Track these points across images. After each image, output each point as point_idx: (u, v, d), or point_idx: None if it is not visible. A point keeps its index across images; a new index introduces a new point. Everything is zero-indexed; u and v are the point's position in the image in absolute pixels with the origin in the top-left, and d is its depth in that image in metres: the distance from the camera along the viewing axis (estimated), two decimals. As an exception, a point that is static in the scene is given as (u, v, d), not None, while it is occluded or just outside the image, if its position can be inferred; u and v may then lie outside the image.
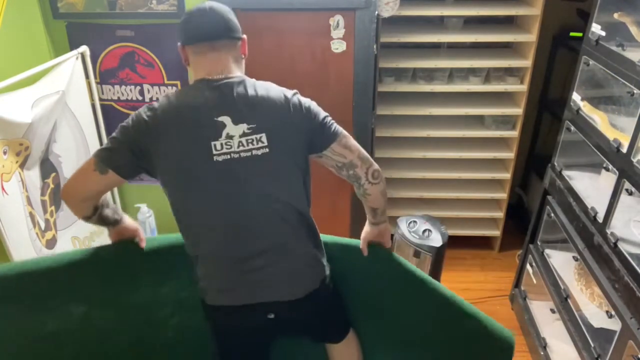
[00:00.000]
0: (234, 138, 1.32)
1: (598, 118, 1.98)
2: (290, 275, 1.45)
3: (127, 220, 1.59)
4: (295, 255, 1.45)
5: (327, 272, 1.55)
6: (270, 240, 1.41)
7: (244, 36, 1.44)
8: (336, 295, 1.65)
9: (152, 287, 1.63)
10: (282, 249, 1.42)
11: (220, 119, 1.32)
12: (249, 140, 1.32)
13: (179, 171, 1.36)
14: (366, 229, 1.61)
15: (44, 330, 1.54)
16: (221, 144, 1.32)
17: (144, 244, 1.59)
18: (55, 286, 1.53)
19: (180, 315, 1.68)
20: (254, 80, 1.41)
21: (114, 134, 1.39)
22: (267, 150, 1.33)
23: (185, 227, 1.44)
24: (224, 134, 1.32)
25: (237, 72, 1.40)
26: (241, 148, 1.32)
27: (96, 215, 1.46)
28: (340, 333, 1.70)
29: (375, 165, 1.47)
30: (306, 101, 1.43)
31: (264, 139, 1.33)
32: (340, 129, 1.45)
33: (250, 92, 1.36)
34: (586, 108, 2.06)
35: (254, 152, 1.33)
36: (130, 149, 1.35)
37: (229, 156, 1.32)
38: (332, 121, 1.45)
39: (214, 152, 1.32)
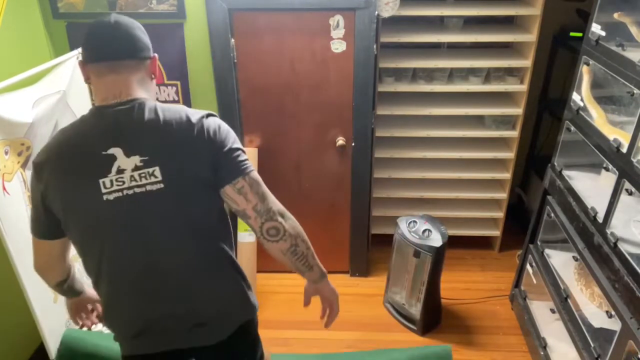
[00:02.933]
0: (126, 172, 1.16)
1: (595, 113, 1.98)
2: (213, 318, 1.33)
3: (89, 291, 1.53)
4: (217, 294, 1.33)
5: (256, 314, 1.45)
6: (183, 282, 1.28)
7: (154, 55, 1.27)
8: (258, 346, 1.53)
9: None
10: (200, 290, 1.30)
11: (111, 151, 1.16)
12: (142, 175, 1.16)
13: (69, 214, 1.21)
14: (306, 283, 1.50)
15: None
16: (111, 181, 1.16)
17: (95, 318, 1.55)
18: None
19: None
20: (157, 103, 1.23)
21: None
22: (162, 185, 1.17)
23: (89, 271, 1.31)
24: (114, 169, 1.16)
25: (141, 95, 1.22)
26: (134, 183, 1.16)
27: (69, 279, 1.41)
28: None
29: (275, 222, 1.27)
30: (214, 126, 1.23)
31: (157, 173, 1.17)
32: (247, 170, 1.24)
33: (148, 116, 1.18)
34: (586, 99, 2.06)
35: (148, 187, 1.17)
36: (42, 209, 1.23)
37: (121, 194, 1.17)
38: (241, 158, 1.25)
39: (104, 190, 1.16)
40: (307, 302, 1.51)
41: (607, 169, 1.82)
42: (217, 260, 1.32)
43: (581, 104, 2.09)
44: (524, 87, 2.73)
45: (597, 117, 1.96)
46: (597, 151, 1.91)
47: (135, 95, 1.21)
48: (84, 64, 1.24)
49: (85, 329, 1.58)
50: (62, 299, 2.22)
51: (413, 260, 2.51)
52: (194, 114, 1.22)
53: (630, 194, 1.66)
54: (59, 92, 2.18)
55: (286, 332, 2.61)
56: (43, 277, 1.39)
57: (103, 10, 2.41)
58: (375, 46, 2.44)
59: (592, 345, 1.84)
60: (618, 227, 1.76)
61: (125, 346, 1.35)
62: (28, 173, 2.01)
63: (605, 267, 1.77)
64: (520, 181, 3.43)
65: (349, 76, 2.52)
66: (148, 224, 1.21)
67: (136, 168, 1.16)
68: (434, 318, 2.66)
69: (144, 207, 1.18)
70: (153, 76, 1.28)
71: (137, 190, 1.17)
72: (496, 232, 3.15)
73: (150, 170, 1.16)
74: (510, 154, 2.92)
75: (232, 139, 1.25)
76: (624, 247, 1.68)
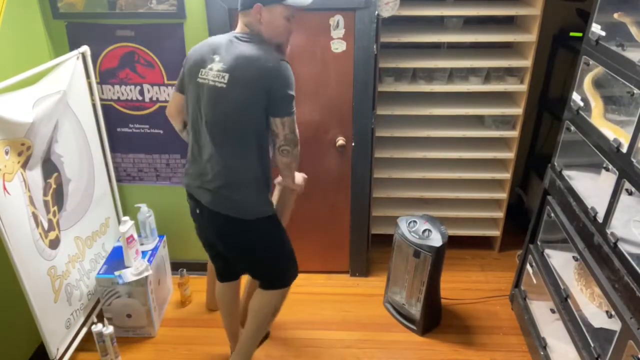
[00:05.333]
0: (212, 70, 1.78)
1: (593, 102, 1.98)
2: (217, 192, 1.86)
3: None
4: (231, 179, 1.85)
5: (258, 218, 1.90)
6: (214, 157, 1.83)
7: (257, 5, 1.76)
8: (268, 249, 2.01)
9: None
10: (222, 168, 1.84)
11: (213, 56, 1.80)
12: (218, 75, 1.76)
13: (185, 83, 1.90)
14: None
15: None
16: (204, 71, 1.80)
17: None
18: None
19: None
20: (256, 40, 1.79)
21: None
22: (224, 86, 1.75)
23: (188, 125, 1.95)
24: (208, 66, 1.79)
25: (247, 31, 1.82)
26: (211, 78, 1.78)
27: (186, 130, 2.01)
28: (261, 281, 2.10)
29: (289, 147, 1.85)
30: (280, 73, 1.75)
31: (226, 78, 1.75)
32: (290, 111, 1.80)
33: (242, 45, 1.78)
34: (586, 87, 2.06)
35: (217, 84, 1.77)
36: (182, 75, 1.94)
37: (204, 81, 1.80)
38: (290, 101, 1.79)
39: (199, 75, 1.81)
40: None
41: (607, 169, 1.82)
42: (245, 154, 1.83)
43: (581, 104, 2.09)
44: (524, 87, 2.73)
45: (595, 106, 1.96)
46: (597, 151, 1.91)
47: (244, 31, 1.83)
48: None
49: None
50: (62, 299, 2.22)
51: (413, 260, 2.51)
52: (270, 58, 1.75)
53: (630, 194, 1.66)
54: (59, 92, 2.19)
55: (286, 332, 2.61)
56: (172, 121, 2.08)
57: (103, 10, 2.41)
58: (375, 46, 2.44)
59: (592, 345, 1.84)
60: (618, 227, 1.76)
61: (188, 187, 1.99)
62: (28, 173, 2.01)
63: (605, 267, 1.77)
64: (520, 181, 3.43)
65: (349, 76, 2.52)
66: (209, 106, 1.80)
67: (217, 70, 1.77)
68: (434, 318, 2.66)
69: (211, 94, 1.79)
70: (258, 17, 1.78)
71: (211, 83, 1.78)
72: (496, 232, 3.15)
73: (223, 74, 1.76)
74: (510, 154, 2.92)
75: (288, 87, 1.77)
76: (624, 247, 1.68)
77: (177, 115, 2.03)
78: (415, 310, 2.58)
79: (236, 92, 1.75)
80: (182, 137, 2.09)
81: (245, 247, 1.97)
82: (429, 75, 2.84)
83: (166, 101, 2.60)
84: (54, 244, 2.18)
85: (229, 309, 2.31)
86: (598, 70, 2.00)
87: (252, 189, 1.88)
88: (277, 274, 2.09)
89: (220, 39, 1.84)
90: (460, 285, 2.93)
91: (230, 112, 1.77)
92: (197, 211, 1.96)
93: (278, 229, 2.03)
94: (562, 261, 2.25)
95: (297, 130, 1.85)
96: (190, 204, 2.02)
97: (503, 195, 3.03)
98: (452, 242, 2.70)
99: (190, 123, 1.90)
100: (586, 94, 2.06)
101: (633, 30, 1.79)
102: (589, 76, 2.06)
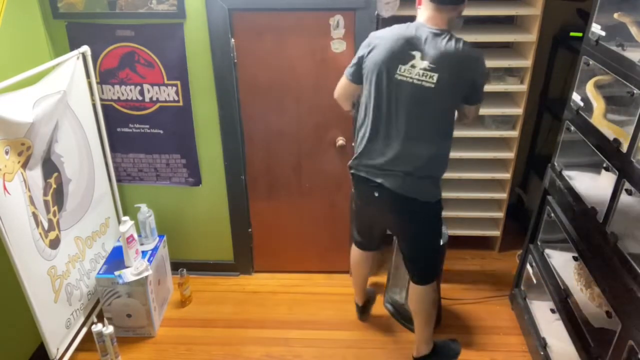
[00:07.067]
0: (415, 68, 1.82)
1: (595, 103, 1.99)
2: (408, 178, 1.95)
3: None
4: (413, 169, 1.94)
5: (430, 201, 2.02)
6: (401, 151, 1.92)
7: (465, 1, 1.90)
8: (432, 242, 2.15)
9: None
10: (406, 161, 1.93)
11: (413, 53, 1.83)
12: (424, 74, 1.81)
13: (373, 74, 1.90)
14: None
15: None
16: (405, 69, 1.84)
17: None
18: None
19: None
20: (455, 37, 1.85)
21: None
22: (433, 86, 1.81)
23: (364, 115, 2.01)
24: (409, 63, 1.83)
25: (445, 27, 1.86)
26: (416, 77, 1.82)
27: (354, 108, 2.20)
28: (419, 272, 2.21)
29: (473, 124, 2.16)
30: (483, 64, 1.88)
31: (434, 78, 1.80)
32: (483, 96, 1.96)
33: (447, 44, 1.82)
34: (589, 89, 2.07)
35: (424, 84, 1.82)
36: (359, 63, 1.98)
37: (405, 79, 1.84)
38: (483, 87, 1.94)
39: (398, 72, 1.85)
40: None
41: (607, 169, 1.82)
42: (432, 148, 1.94)
43: (581, 104, 2.09)
44: (524, 87, 2.73)
45: (597, 107, 1.96)
46: (597, 151, 1.91)
47: (444, 27, 1.87)
48: None
49: None
50: (62, 299, 2.22)
51: (413, 260, 2.50)
52: (474, 55, 1.86)
53: (630, 193, 1.66)
54: (59, 92, 2.19)
55: (286, 332, 2.61)
56: (340, 103, 2.21)
57: (103, 10, 2.41)
58: (375, 46, 2.43)
59: (592, 345, 1.84)
60: (618, 227, 1.76)
61: (362, 169, 2.06)
62: (29, 173, 2.01)
63: (606, 267, 1.77)
64: (520, 181, 3.43)
65: (349, 76, 2.52)
66: (411, 104, 1.87)
67: (423, 69, 1.82)
68: (434, 318, 2.66)
69: (416, 93, 1.85)
70: (459, 14, 1.91)
71: (417, 82, 1.83)
72: (496, 232, 3.15)
73: (431, 74, 1.81)
74: (510, 154, 2.92)
75: (484, 76, 1.96)
76: (624, 247, 1.68)
77: (346, 100, 2.17)
78: (415, 310, 2.58)
79: (447, 91, 1.83)
80: (350, 114, 2.25)
81: (417, 227, 2.11)
82: (429, 75, 2.83)
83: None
84: (54, 244, 2.18)
85: (361, 271, 2.56)
86: (605, 77, 2.00)
87: (438, 175, 2.03)
88: (430, 262, 2.23)
89: (415, 32, 1.85)
90: (460, 285, 2.93)
91: (438, 110, 1.88)
92: (376, 194, 2.02)
93: (441, 217, 2.15)
94: (562, 261, 2.25)
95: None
96: (362, 187, 2.10)
97: (503, 195, 3.03)
98: (452, 242, 2.70)
99: (379, 116, 1.94)
100: (588, 95, 2.06)
101: (633, 30, 1.79)
102: (592, 80, 2.06)
